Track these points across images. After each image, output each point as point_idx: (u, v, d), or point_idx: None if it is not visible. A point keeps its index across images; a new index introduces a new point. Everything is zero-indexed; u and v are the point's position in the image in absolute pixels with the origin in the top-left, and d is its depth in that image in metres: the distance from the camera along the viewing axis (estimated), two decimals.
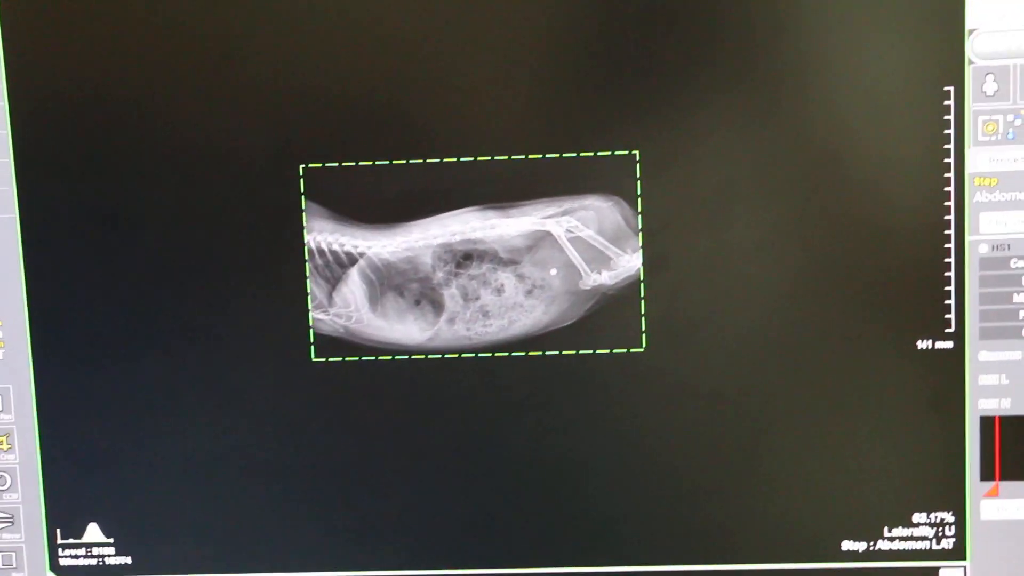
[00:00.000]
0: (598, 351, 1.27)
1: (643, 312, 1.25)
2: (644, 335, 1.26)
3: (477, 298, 1.27)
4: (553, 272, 1.27)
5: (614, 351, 1.26)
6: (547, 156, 1.23)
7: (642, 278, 1.25)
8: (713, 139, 1.19)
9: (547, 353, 1.27)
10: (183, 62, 1.19)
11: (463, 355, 1.27)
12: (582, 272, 1.27)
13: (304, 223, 1.25)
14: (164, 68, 1.19)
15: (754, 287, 1.21)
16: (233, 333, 1.25)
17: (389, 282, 1.28)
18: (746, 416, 1.23)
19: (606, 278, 1.27)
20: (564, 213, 1.26)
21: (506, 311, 1.26)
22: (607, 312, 1.26)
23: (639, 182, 1.24)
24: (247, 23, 1.17)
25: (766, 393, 1.22)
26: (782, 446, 1.23)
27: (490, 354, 1.27)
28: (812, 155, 1.17)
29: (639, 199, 1.24)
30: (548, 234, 1.26)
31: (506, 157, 1.22)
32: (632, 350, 1.27)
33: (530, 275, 1.27)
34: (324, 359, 1.29)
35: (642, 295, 1.25)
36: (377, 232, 1.28)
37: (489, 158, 1.23)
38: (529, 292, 1.27)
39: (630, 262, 1.25)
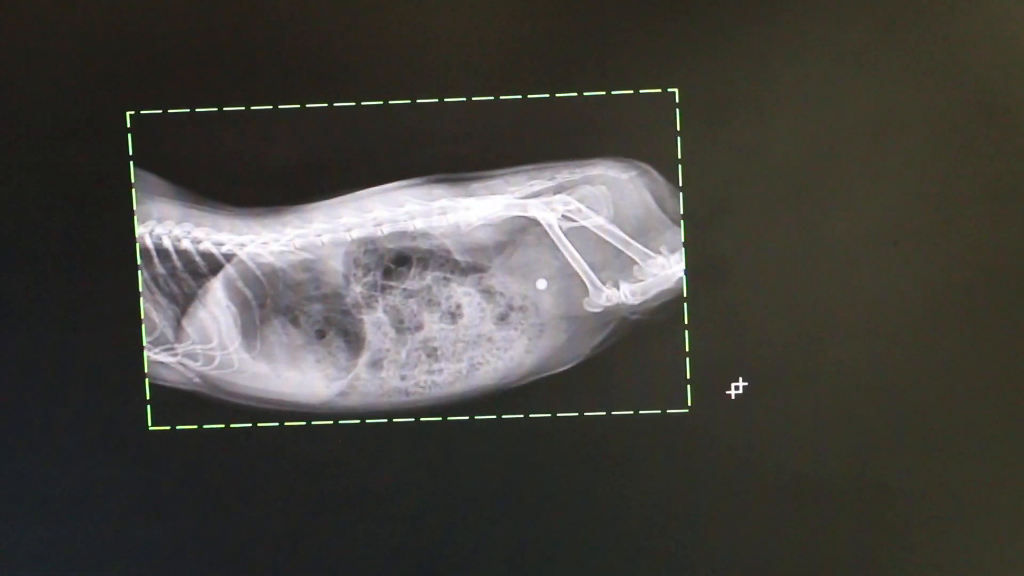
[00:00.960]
0: (615, 413, 0.92)
1: (688, 349, 0.91)
2: (690, 387, 0.91)
3: (418, 327, 0.92)
4: (542, 285, 0.91)
5: (641, 412, 0.92)
6: (530, 97, 0.91)
7: (686, 294, 0.91)
8: (801, 75, 0.90)
9: (532, 416, 0.92)
10: None
11: (395, 420, 0.92)
12: (589, 285, 0.91)
13: (134, 206, 0.92)
14: None
15: (870, 307, 0.91)
16: (23, 383, 0.93)
17: (275, 302, 0.92)
18: (876, 523, 0.92)
19: (627, 294, 0.91)
20: (559, 189, 0.91)
21: (465, 348, 0.91)
22: (629, 349, 0.91)
23: (680, 138, 0.90)
24: None
25: (911, 489, 0.92)
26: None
27: (439, 418, 0.92)
28: (966, 104, 0.89)
29: (679, 166, 0.91)
30: (533, 223, 0.91)
31: (463, 99, 0.91)
32: (671, 411, 0.92)
33: (504, 289, 0.91)
34: (167, 426, 0.93)
35: (685, 321, 0.91)
36: (254, 220, 0.92)
37: (437, 100, 0.91)
38: (503, 317, 0.91)
39: (665, 268, 0.91)
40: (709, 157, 0.91)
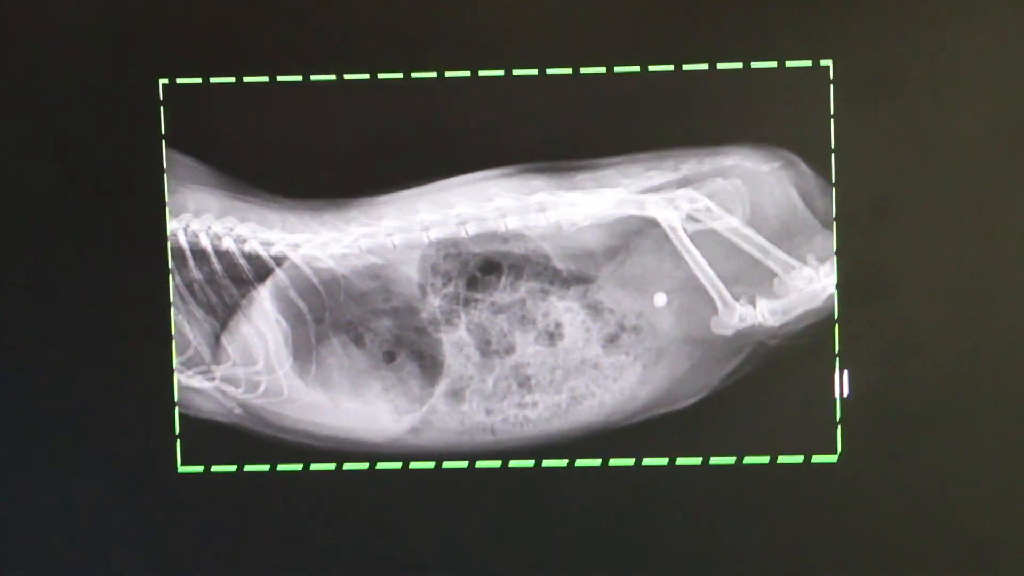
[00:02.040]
0: (747, 460, 0.78)
1: (838, 382, 0.77)
2: (840, 428, 0.78)
3: (508, 350, 0.78)
4: (660, 300, 0.78)
5: (779, 460, 0.78)
6: (650, 69, 0.77)
7: (837, 314, 0.77)
8: (983, 42, 0.76)
9: (647, 463, 0.78)
10: None
11: (478, 464, 0.78)
12: (718, 301, 0.77)
13: (165, 196, 0.78)
14: None
15: None
16: (27, 410, 0.79)
17: (334, 316, 0.77)
18: None
19: (765, 313, 0.77)
20: (684, 183, 0.77)
21: (565, 377, 0.78)
22: (766, 382, 0.77)
23: (833, 121, 0.77)
24: None
25: None
26: None
27: (531, 462, 0.78)
28: None
29: (832, 155, 0.77)
30: (651, 224, 0.77)
31: (568, 70, 0.77)
32: (816, 459, 0.78)
33: (614, 305, 0.77)
34: (200, 467, 0.79)
35: (836, 349, 0.77)
36: (311, 215, 0.78)
37: (536, 71, 0.77)
38: (612, 339, 0.78)
39: (813, 282, 0.77)
40: (869, 145, 0.77)
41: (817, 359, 0.76)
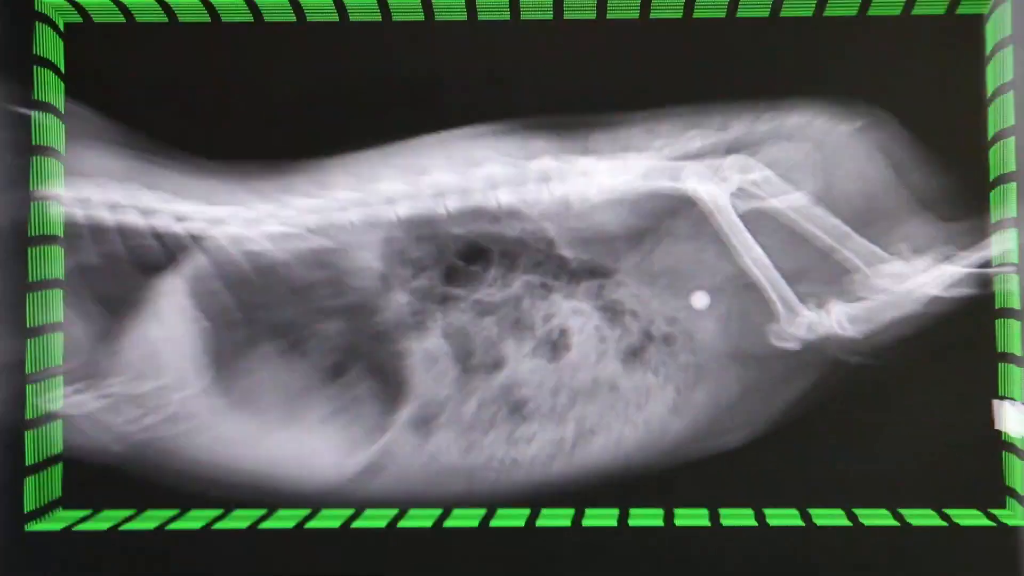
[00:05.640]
0: (820, 519, 0.57)
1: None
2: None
3: (497, 364, 0.58)
4: (700, 301, 0.58)
5: (865, 521, 0.57)
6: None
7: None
8: None
9: (680, 522, 0.58)
10: None
11: (455, 518, 0.58)
12: (778, 303, 0.58)
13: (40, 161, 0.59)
14: None
15: None
16: None
17: (268, 316, 0.58)
18: None
19: (842, 321, 0.57)
20: (734, 147, 0.58)
21: (572, 402, 0.58)
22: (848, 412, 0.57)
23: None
24: None
25: None
26: None
27: (526, 518, 0.57)
28: None
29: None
30: (689, 202, 0.58)
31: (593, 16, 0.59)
32: (991, 520, 0.58)
33: (639, 307, 0.58)
34: (62, 523, 0.58)
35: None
36: (239, 182, 0.58)
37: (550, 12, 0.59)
38: (635, 353, 0.58)
39: (907, 280, 0.57)
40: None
41: (910, 384, 0.57)
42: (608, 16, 0.58)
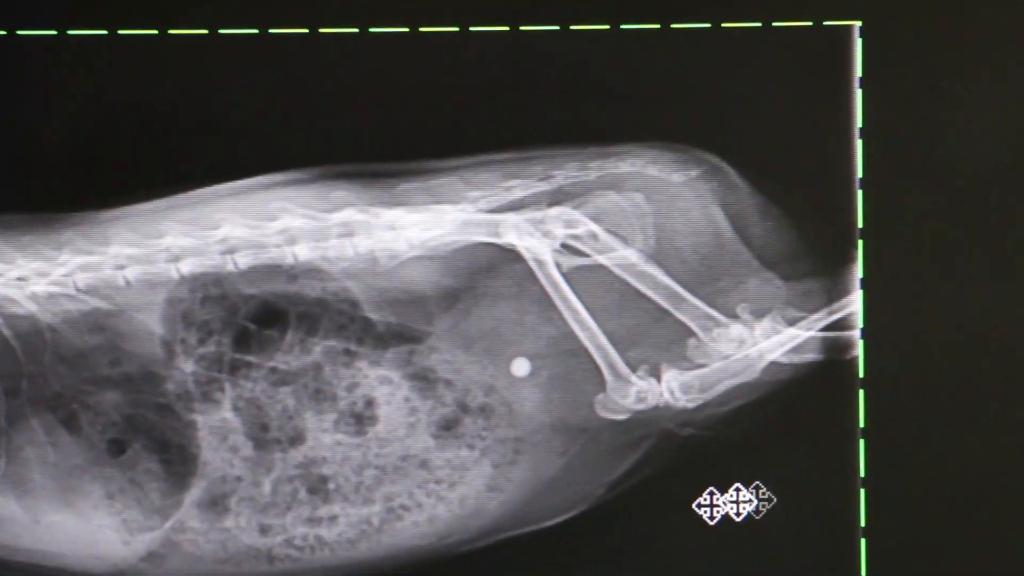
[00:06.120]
0: None
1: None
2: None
3: (296, 439, 0.53)
4: (521, 368, 0.53)
5: None
6: (524, 29, 0.53)
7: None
8: None
9: None
10: None
11: None
12: (606, 370, 0.53)
13: None
14: None
15: None
16: None
17: (35, 385, 0.52)
18: None
19: (675, 390, 0.53)
20: (558, 198, 0.53)
21: (380, 480, 0.53)
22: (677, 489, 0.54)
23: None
24: None
25: None
26: None
27: None
28: None
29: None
30: (510, 256, 0.53)
31: (404, 29, 0.52)
32: None
33: (453, 375, 0.53)
34: None
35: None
36: (3, 237, 0.52)
37: (358, 29, 0.52)
38: (449, 426, 0.54)
39: (745, 344, 0.53)
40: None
41: (749, 459, 0.53)
42: (420, 43, 0.52)
